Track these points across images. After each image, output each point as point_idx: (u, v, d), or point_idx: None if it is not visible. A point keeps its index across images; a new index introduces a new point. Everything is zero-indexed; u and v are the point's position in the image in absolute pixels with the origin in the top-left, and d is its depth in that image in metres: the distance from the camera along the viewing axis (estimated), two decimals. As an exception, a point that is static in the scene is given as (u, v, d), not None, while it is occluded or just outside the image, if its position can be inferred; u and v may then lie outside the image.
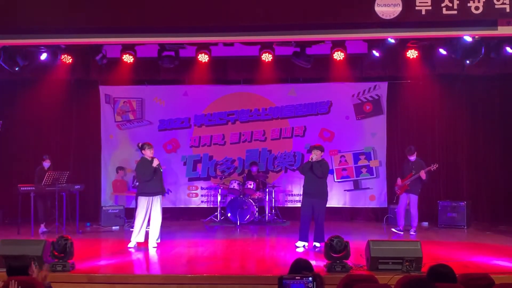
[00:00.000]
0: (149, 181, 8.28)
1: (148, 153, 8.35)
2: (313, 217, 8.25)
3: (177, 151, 12.11)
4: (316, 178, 8.17)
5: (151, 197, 8.30)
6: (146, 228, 8.41)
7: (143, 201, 8.29)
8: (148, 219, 8.36)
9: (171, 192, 11.94)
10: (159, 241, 8.38)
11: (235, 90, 12.10)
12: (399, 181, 10.00)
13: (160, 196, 8.45)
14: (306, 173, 8.32)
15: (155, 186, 8.33)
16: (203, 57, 9.78)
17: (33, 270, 4.50)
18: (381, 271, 6.14)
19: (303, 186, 8.41)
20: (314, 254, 7.79)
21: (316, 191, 8.18)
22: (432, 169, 9.71)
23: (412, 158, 9.90)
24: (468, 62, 9.17)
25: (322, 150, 8.37)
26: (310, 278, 3.65)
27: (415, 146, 10.35)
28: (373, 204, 11.81)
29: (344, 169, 11.89)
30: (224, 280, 6.22)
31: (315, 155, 8.24)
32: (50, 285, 4.53)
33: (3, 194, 11.27)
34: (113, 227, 10.60)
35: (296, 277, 3.67)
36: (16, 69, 9.52)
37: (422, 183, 9.82)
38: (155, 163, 8.27)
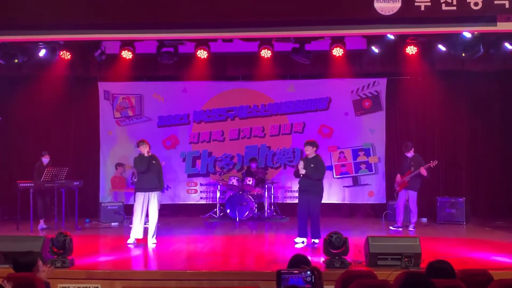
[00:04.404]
0: (145, 174, 8.32)
1: (142, 149, 8.37)
2: (309, 213, 8.22)
3: (176, 147, 12.11)
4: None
5: (147, 193, 8.31)
6: (145, 224, 8.41)
7: (139, 197, 8.33)
8: (147, 215, 8.37)
9: (170, 188, 11.96)
10: (155, 240, 8.33)
11: (234, 87, 12.09)
12: (398, 177, 10.00)
13: (158, 192, 8.44)
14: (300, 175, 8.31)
15: (151, 182, 8.35)
16: (202, 53, 9.76)
17: (38, 268, 4.47)
18: (380, 267, 6.15)
19: (299, 183, 8.37)
20: (313, 250, 7.80)
21: (311, 188, 8.12)
22: (431, 165, 9.70)
23: (410, 154, 9.89)
24: (464, 55, 9.15)
25: (314, 145, 8.28)
26: (308, 272, 3.64)
27: (414, 142, 10.36)
28: (372, 200, 11.82)
29: (343, 165, 11.89)
30: (224, 276, 6.22)
31: (307, 151, 8.22)
32: (49, 283, 4.52)
33: (2, 191, 11.26)
34: (112, 224, 10.60)
35: (294, 271, 3.66)
36: (16, 61, 9.51)
37: (422, 179, 9.82)
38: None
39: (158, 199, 8.46)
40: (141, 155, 8.42)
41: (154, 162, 8.45)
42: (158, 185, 8.46)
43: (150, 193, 8.33)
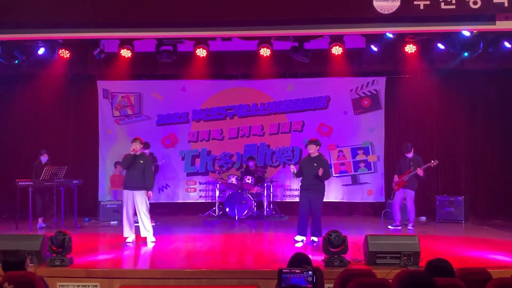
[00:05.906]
0: (128, 171, 8.31)
1: (132, 147, 8.35)
2: (310, 211, 8.25)
3: (175, 146, 12.11)
4: (314, 174, 8.14)
5: (130, 191, 8.27)
6: (136, 223, 8.39)
7: (124, 194, 8.37)
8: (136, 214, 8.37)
9: (169, 187, 11.97)
10: (154, 239, 8.33)
11: (233, 85, 12.09)
12: (396, 178, 10.00)
13: (141, 191, 8.24)
14: (301, 174, 8.33)
15: (131, 180, 8.28)
16: (201, 52, 9.74)
17: (28, 265, 4.50)
18: (379, 266, 6.16)
19: (301, 181, 8.40)
20: (312, 248, 7.80)
21: (313, 187, 8.16)
22: (432, 165, 9.68)
23: (410, 155, 9.88)
24: (466, 54, 9.16)
25: (317, 144, 8.31)
26: (310, 272, 3.62)
27: (413, 141, 10.37)
28: (371, 199, 11.84)
29: (342, 164, 11.90)
30: (222, 274, 6.22)
31: (311, 150, 8.24)
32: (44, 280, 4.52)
33: (1, 189, 11.24)
34: (111, 222, 10.60)
35: (296, 271, 3.64)
36: (16, 62, 9.50)
37: (418, 179, 9.82)
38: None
39: (143, 198, 8.25)
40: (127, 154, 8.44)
41: (141, 161, 8.33)
42: (139, 185, 8.26)
43: (134, 191, 8.26)
